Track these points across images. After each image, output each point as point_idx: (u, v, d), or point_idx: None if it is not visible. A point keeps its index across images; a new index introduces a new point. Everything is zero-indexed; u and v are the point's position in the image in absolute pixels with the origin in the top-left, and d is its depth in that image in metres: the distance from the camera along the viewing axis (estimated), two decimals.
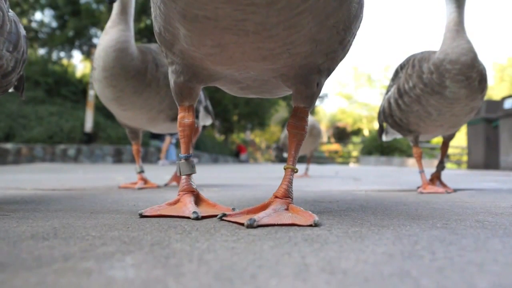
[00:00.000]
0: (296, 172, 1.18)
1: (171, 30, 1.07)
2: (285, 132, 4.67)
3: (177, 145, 10.69)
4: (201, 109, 2.65)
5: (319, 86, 1.16)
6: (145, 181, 2.51)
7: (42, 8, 15.80)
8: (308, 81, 1.13)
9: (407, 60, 2.33)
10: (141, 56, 2.21)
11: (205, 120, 2.87)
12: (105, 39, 2.18)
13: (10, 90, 1.74)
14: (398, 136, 2.73)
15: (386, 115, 2.45)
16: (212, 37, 0.98)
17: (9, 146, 9.57)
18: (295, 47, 1.00)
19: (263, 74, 1.14)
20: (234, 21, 0.92)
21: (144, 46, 2.31)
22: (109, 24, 2.21)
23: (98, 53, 2.18)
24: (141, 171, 2.53)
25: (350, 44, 1.17)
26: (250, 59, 1.04)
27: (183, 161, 1.27)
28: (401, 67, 2.37)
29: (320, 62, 1.09)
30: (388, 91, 2.51)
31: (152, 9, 1.12)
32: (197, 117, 2.51)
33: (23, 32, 1.43)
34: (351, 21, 1.06)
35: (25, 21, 15.82)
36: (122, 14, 2.21)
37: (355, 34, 1.17)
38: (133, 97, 2.22)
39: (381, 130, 2.70)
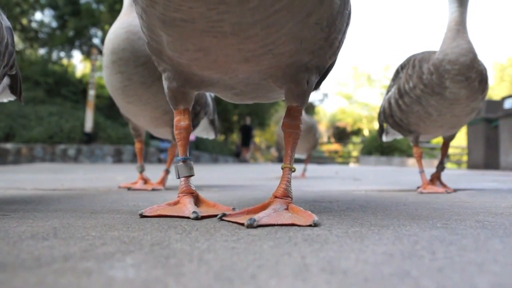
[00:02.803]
0: (294, 171, 1.18)
1: (155, 39, 1.08)
2: (278, 131, 4.63)
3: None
4: (205, 120, 2.56)
5: (309, 83, 1.16)
6: (145, 180, 2.45)
7: (42, 8, 15.80)
8: (298, 80, 1.13)
9: (408, 60, 2.33)
10: None
11: (207, 133, 2.78)
12: (117, 23, 2.08)
13: (7, 99, 1.68)
14: (398, 136, 2.72)
15: (386, 115, 2.44)
16: (192, 41, 0.99)
17: (9, 146, 9.57)
18: (277, 46, 1.00)
19: (252, 77, 1.14)
20: (210, 22, 0.92)
21: None
22: (121, 13, 2.14)
23: (108, 36, 2.08)
24: (142, 170, 2.47)
25: (339, 41, 1.17)
26: (234, 62, 1.04)
27: (181, 163, 1.27)
28: (402, 67, 2.37)
29: (306, 60, 1.09)
30: (388, 91, 2.51)
31: (138, 20, 1.13)
32: (196, 125, 2.43)
33: (6, 23, 1.34)
34: (335, 18, 1.06)
35: (25, 21, 15.83)
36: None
37: (344, 31, 1.16)
38: (141, 88, 2.07)
39: (381, 130, 2.70)
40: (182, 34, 0.97)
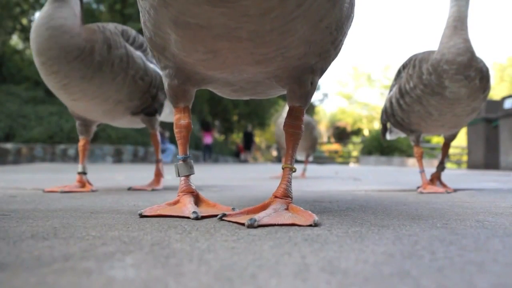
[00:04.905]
0: (295, 171, 1.18)
1: (161, 35, 1.06)
2: (277, 131, 4.57)
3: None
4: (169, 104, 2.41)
5: (313, 85, 1.17)
6: (83, 184, 2.16)
7: (42, 8, 15.78)
8: (302, 81, 1.14)
9: (409, 60, 2.33)
10: (86, 34, 1.89)
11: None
12: (38, 18, 1.86)
13: None
14: (403, 135, 2.71)
15: (388, 115, 2.45)
16: (204, 43, 0.98)
17: (9, 146, 9.57)
18: (289, 50, 1.01)
19: (257, 76, 1.14)
20: (228, 29, 0.91)
21: (96, 25, 2.00)
22: (46, 2, 1.91)
23: (31, 35, 1.87)
24: (83, 172, 2.17)
25: (342, 44, 1.18)
26: (243, 64, 1.04)
27: (181, 162, 1.26)
28: (404, 66, 2.37)
29: (313, 62, 1.10)
30: (390, 90, 2.52)
31: (141, 15, 1.10)
32: (158, 108, 2.27)
33: None
34: (343, 21, 1.07)
35: (25, 21, 15.82)
36: None
37: (347, 34, 1.18)
38: (82, 83, 1.90)
39: (385, 129, 2.69)
40: (195, 36, 0.96)
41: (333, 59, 1.19)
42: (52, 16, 1.83)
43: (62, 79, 1.88)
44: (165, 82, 1.23)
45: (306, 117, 4.42)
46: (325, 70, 1.21)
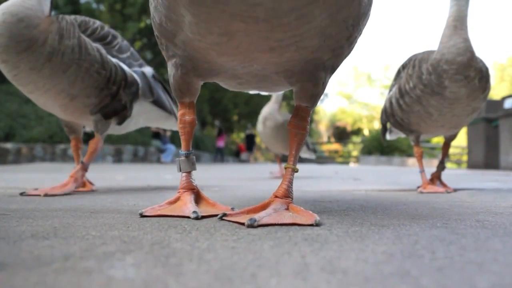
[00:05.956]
0: (297, 171, 1.18)
1: (174, 19, 1.02)
2: (261, 128, 4.50)
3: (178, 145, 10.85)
4: (147, 104, 2.25)
5: (324, 84, 1.16)
6: (83, 183, 2.12)
7: None
8: (315, 79, 1.12)
9: (409, 60, 2.33)
10: (44, 25, 1.80)
11: (165, 120, 2.40)
12: (4, 2, 1.79)
13: None
14: (403, 135, 2.71)
15: (388, 115, 2.44)
16: (219, 24, 0.94)
17: (9, 146, 9.57)
18: (304, 40, 0.98)
19: (267, 68, 1.11)
20: (245, 6, 0.88)
21: (57, 16, 1.91)
22: None
23: None
24: None
25: (356, 41, 1.16)
26: (257, 50, 1.01)
27: (183, 158, 1.26)
28: (403, 66, 2.37)
29: (326, 58, 1.08)
30: (390, 90, 2.52)
31: (150, 0, 1.09)
32: (121, 108, 2.07)
33: None
34: (360, 17, 1.05)
35: None
36: None
37: (362, 31, 1.16)
38: (32, 74, 1.81)
39: (385, 129, 2.69)
40: (210, 15, 0.93)
41: (345, 57, 1.17)
42: (15, 2, 1.76)
43: (11, 69, 1.80)
44: (170, 75, 1.21)
45: (280, 117, 4.34)
46: (336, 68, 1.19)
